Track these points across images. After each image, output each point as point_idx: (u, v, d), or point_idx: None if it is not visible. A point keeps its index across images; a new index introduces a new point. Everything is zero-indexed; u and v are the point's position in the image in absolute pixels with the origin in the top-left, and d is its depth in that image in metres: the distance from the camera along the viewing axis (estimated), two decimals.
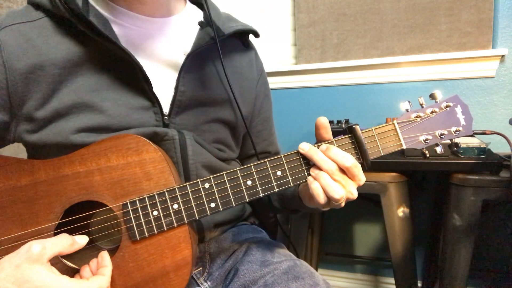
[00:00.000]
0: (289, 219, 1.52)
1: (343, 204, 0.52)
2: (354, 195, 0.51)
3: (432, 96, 0.58)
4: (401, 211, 1.24)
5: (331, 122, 1.32)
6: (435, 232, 1.51)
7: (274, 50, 1.75)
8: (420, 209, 1.54)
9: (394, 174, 1.23)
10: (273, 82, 1.67)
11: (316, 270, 1.69)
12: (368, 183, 1.22)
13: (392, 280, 1.63)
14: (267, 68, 0.81)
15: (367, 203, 1.55)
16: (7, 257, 0.44)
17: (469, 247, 1.15)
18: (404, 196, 1.25)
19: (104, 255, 0.50)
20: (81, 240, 0.49)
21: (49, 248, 0.44)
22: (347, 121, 1.39)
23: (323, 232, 1.70)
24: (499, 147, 1.29)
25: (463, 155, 1.11)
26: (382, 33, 1.50)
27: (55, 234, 0.51)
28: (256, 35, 0.73)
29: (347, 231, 1.70)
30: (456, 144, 0.57)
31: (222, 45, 0.65)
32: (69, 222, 0.52)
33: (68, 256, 0.54)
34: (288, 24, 1.71)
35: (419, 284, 1.59)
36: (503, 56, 1.36)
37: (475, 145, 1.10)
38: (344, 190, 0.50)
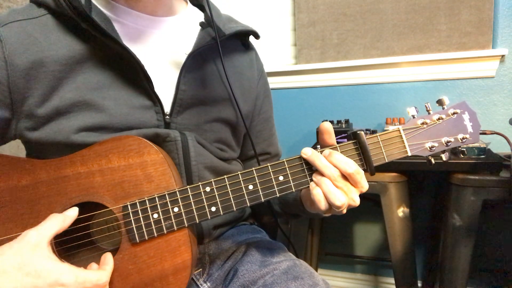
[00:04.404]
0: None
1: (344, 211, 0.51)
2: (356, 202, 0.51)
3: (439, 102, 0.56)
4: (401, 211, 1.25)
5: (331, 122, 1.32)
6: (435, 232, 1.51)
7: (274, 50, 1.75)
8: (420, 209, 1.54)
9: (394, 174, 1.23)
10: (273, 82, 1.66)
11: (316, 270, 1.69)
12: (368, 183, 1.22)
13: (392, 280, 1.63)
14: (267, 68, 0.81)
15: (367, 203, 1.55)
16: (7, 244, 0.45)
17: (469, 247, 1.15)
18: (404, 196, 1.25)
19: (108, 256, 0.51)
20: (71, 212, 0.50)
21: (44, 231, 0.46)
22: (347, 121, 1.39)
23: (323, 232, 1.70)
24: (499, 147, 1.29)
25: (463, 155, 1.11)
26: (382, 33, 1.50)
27: (54, 236, 0.51)
28: (257, 36, 0.73)
29: (347, 231, 1.70)
30: (463, 152, 0.57)
31: (222, 45, 0.65)
32: None
33: (69, 257, 0.54)
34: (288, 24, 1.71)
35: (419, 284, 1.59)
36: (503, 56, 1.36)
37: (475, 145, 1.10)
38: (346, 197, 0.50)
